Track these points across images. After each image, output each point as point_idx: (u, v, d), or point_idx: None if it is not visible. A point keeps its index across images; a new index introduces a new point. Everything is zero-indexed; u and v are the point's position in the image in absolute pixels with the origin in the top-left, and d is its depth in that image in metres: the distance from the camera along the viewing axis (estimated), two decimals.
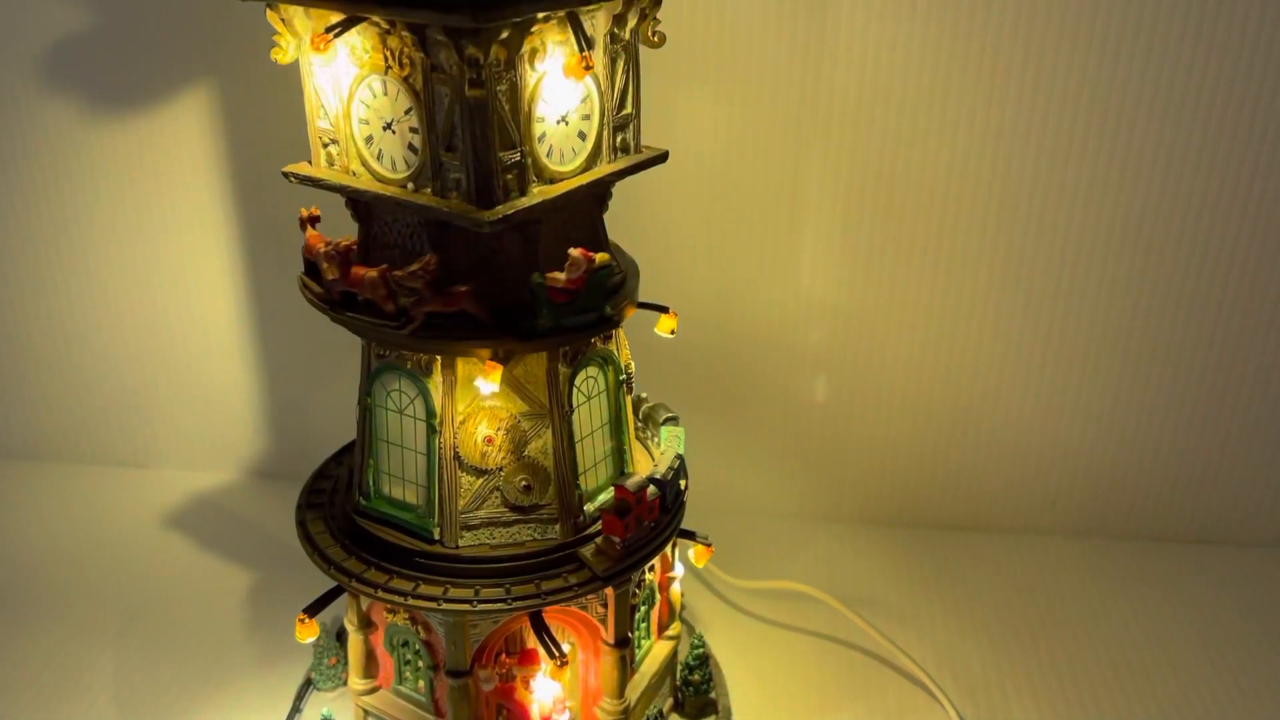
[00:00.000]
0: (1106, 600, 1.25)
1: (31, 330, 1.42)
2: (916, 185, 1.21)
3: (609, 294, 0.83)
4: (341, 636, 1.07)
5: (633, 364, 0.95)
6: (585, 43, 0.76)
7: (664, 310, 0.94)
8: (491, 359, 0.80)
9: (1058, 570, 1.31)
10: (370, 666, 0.96)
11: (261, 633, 1.18)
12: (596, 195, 0.86)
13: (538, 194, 0.78)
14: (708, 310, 1.29)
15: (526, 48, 0.74)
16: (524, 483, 0.86)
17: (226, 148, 1.28)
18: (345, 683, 1.02)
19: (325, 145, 0.83)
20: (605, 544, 0.87)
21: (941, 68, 1.16)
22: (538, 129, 0.78)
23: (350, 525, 0.92)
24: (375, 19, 0.74)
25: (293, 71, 0.82)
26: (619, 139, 0.86)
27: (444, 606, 0.84)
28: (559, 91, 0.78)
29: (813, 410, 1.34)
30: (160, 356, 1.42)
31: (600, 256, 0.79)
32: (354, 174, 0.82)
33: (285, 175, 0.84)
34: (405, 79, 0.75)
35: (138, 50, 1.24)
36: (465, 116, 0.73)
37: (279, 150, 1.23)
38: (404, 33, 0.73)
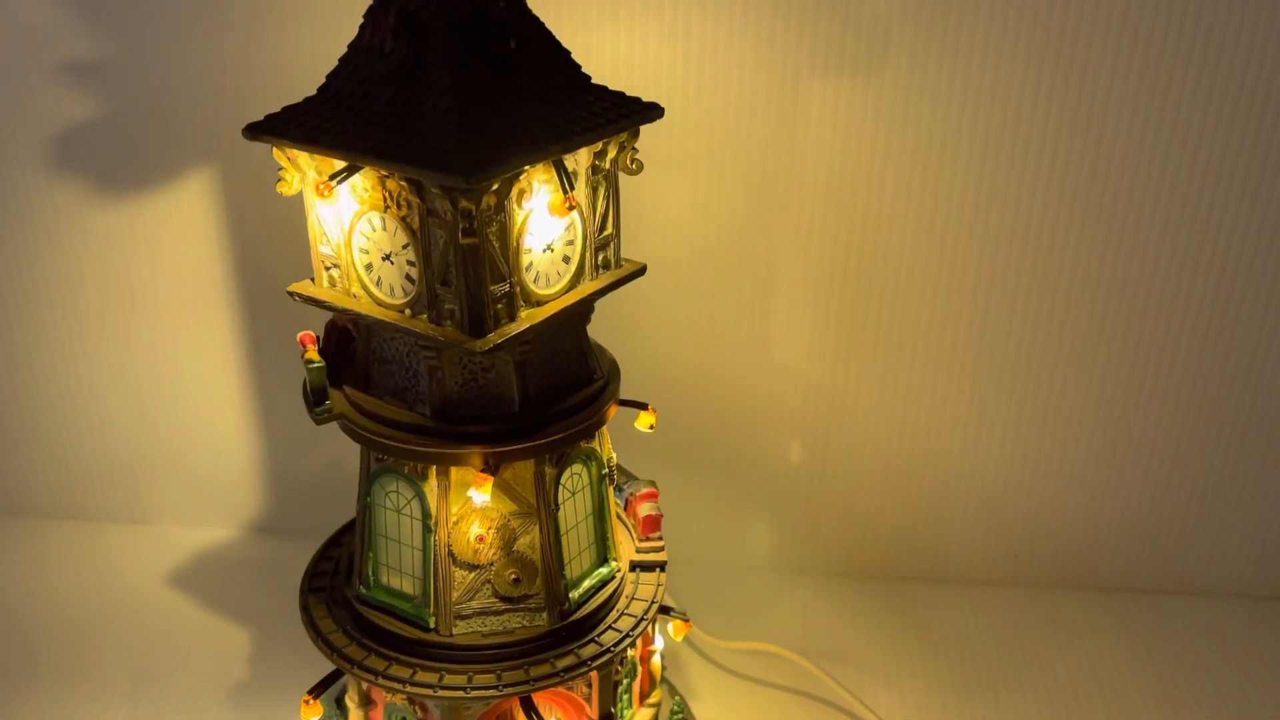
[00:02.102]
0: (1066, 650, 1.33)
1: (35, 389, 1.48)
2: (882, 264, 1.28)
3: (318, 395, 0.90)
4: (341, 702, 1.13)
5: (614, 455, 1.01)
6: (568, 182, 0.83)
7: (643, 407, 1.01)
8: (483, 470, 0.86)
9: (1020, 620, 1.38)
10: None
11: (263, 689, 1.24)
12: (581, 312, 0.92)
13: (525, 318, 0.85)
14: (689, 382, 1.35)
15: (514, 190, 0.81)
16: (514, 576, 0.93)
17: (228, 220, 1.34)
18: None
19: (327, 268, 0.89)
20: (649, 544, 1.06)
21: (907, 154, 1.23)
22: (525, 259, 0.84)
23: (351, 610, 0.98)
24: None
25: None
26: (600, 257, 0.92)
27: (440, 694, 0.91)
28: (545, 223, 0.85)
29: (788, 471, 1.41)
30: (160, 415, 1.48)
31: (311, 354, 0.87)
32: (355, 296, 0.88)
33: (290, 294, 0.90)
34: (403, 218, 0.82)
35: (150, 139, 1.30)
36: (459, 258, 0.79)
37: (279, 224, 1.30)
38: (402, 180, 0.79)
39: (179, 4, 1.22)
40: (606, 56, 1.19)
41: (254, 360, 1.43)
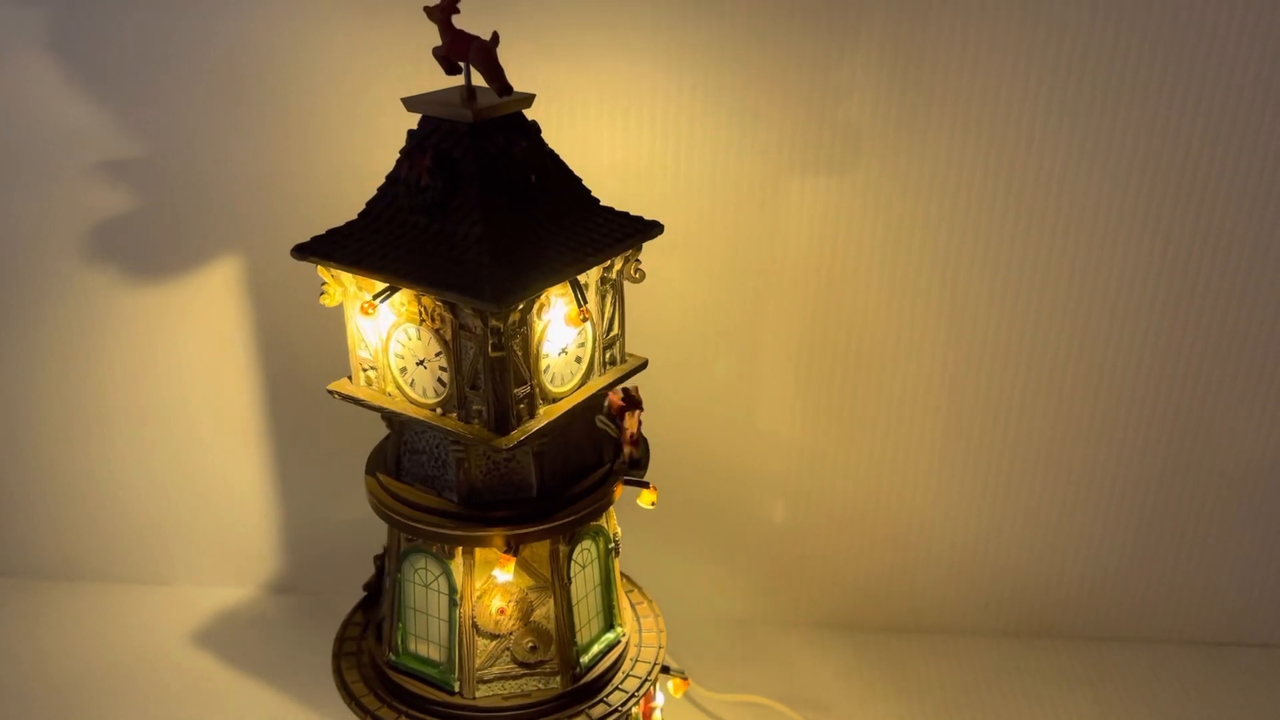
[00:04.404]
0: (1038, 695, 1.42)
1: (55, 452, 1.55)
2: (858, 340, 1.40)
3: None
4: None
5: (619, 530, 1.12)
6: (582, 296, 0.94)
7: (645, 485, 1.11)
8: (506, 552, 0.96)
9: (992, 667, 1.48)
10: None
11: None
12: (591, 405, 1.03)
13: (544, 415, 0.95)
14: (682, 453, 1.45)
15: (536, 306, 0.91)
16: (531, 644, 1.03)
17: (250, 295, 1.43)
18: None
19: (365, 370, 0.99)
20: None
21: (878, 241, 1.34)
22: (544, 363, 0.95)
23: (380, 674, 1.08)
24: None
25: None
26: (608, 355, 1.03)
27: None
28: (561, 331, 0.95)
29: (773, 530, 1.52)
30: (179, 474, 1.54)
31: None
32: (390, 395, 0.98)
33: (330, 393, 1.00)
34: (436, 330, 0.92)
35: (176, 229, 1.39)
36: (487, 367, 0.90)
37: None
38: (437, 299, 0.90)
39: (214, 110, 1.33)
40: (604, 158, 1.31)
41: (273, 419, 1.51)
